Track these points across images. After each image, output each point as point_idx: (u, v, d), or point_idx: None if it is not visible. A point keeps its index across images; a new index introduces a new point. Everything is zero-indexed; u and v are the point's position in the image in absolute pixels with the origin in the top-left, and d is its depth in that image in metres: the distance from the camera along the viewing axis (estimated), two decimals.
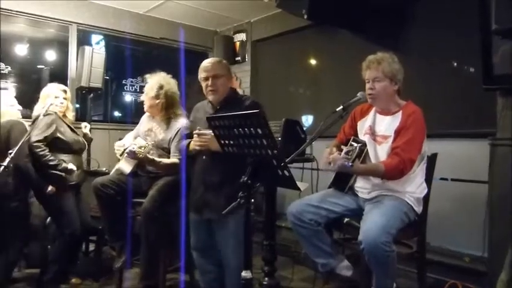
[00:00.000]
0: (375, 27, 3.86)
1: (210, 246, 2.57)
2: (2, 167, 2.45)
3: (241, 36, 5.31)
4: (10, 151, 2.64)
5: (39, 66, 4.65)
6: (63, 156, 3.08)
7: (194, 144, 2.44)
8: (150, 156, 2.84)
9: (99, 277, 3.46)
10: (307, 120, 4.79)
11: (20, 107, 3.19)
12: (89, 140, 3.50)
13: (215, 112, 2.49)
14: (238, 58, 5.35)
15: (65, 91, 3.28)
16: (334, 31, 4.26)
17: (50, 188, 2.99)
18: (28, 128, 3.01)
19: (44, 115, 2.96)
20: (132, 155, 2.76)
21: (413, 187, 2.31)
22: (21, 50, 4.50)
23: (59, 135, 3.06)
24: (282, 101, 5.07)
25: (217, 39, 5.42)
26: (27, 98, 3.16)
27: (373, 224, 2.09)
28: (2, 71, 4.22)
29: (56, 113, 3.10)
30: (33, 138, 2.92)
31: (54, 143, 3.04)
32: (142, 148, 2.75)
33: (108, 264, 3.49)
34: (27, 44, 4.53)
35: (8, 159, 2.55)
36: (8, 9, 4.14)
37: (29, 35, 4.53)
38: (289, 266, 3.39)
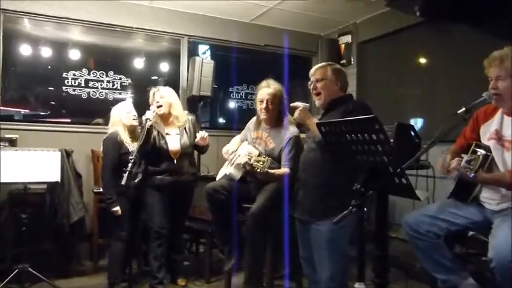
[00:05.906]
0: (497, 18, 3.47)
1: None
2: (128, 172, 2.65)
3: (347, 39, 5.15)
4: (131, 157, 2.86)
5: (153, 77, 4.99)
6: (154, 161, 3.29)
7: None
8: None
9: (209, 278, 3.60)
10: (416, 123, 4.51)
11: (136, 114, 3.40)
12: (201, 148, 3.56)
13: (321, 116, 2.53)
14: (344, 61, 5.15)
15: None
16: (448, 27, 3.94)
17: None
18: (127, 139, 3.25)
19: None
20: (249, 167, 2.78)
21: None
22: (138, 63, 4.88)
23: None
24: (389, 103, 4.81)
25: (322, 43, 5.33)
26: (144, 108, 3.38)
27: (506, 240, 1.86)
28: (123, 84, 4.63)
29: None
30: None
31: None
32: (260, 163, 2.75)
33: (217, 266, 3.62)
34: (144, 57, 4.89)
35: (130, 165, 2.76)
36: (129, 27, 4.53)
37: (145, 49, 4.90)
38: (402, 279, 3.19)
